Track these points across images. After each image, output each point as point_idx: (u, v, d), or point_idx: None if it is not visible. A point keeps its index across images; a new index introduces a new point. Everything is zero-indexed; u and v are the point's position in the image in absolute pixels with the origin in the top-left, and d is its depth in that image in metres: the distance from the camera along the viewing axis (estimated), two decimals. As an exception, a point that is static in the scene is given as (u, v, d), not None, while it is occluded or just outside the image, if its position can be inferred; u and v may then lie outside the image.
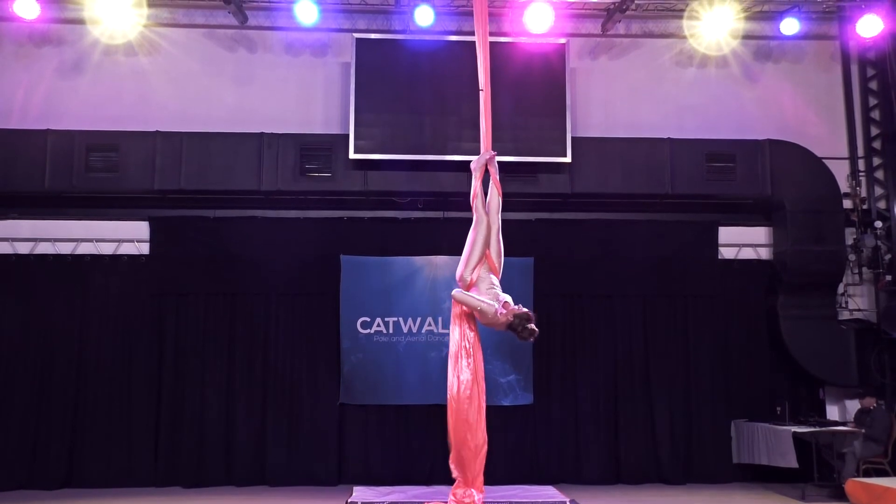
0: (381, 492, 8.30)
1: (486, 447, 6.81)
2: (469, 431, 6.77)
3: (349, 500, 7.84)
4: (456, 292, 6.90)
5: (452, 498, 6.93)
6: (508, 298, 6.71)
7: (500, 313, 6.56)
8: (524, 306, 9.16)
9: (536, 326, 6.51)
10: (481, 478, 6.96)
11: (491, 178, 7.28)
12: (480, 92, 7.41)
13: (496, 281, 6.96)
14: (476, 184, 7.25)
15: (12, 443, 9.76)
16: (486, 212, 7.12)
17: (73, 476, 9.76)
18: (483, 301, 6.68)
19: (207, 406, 10.00)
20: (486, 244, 7.05)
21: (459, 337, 6.98)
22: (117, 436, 9.88)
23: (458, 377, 6.87)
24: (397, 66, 9.96)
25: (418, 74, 9.94)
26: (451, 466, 6.88)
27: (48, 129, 9.89)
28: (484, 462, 6.87)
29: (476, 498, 6.89)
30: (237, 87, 10.51)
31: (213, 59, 10.55)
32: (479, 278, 6.93)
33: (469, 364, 6.89)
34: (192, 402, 10.00)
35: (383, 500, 7.82)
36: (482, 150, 7.32)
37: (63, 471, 9.75)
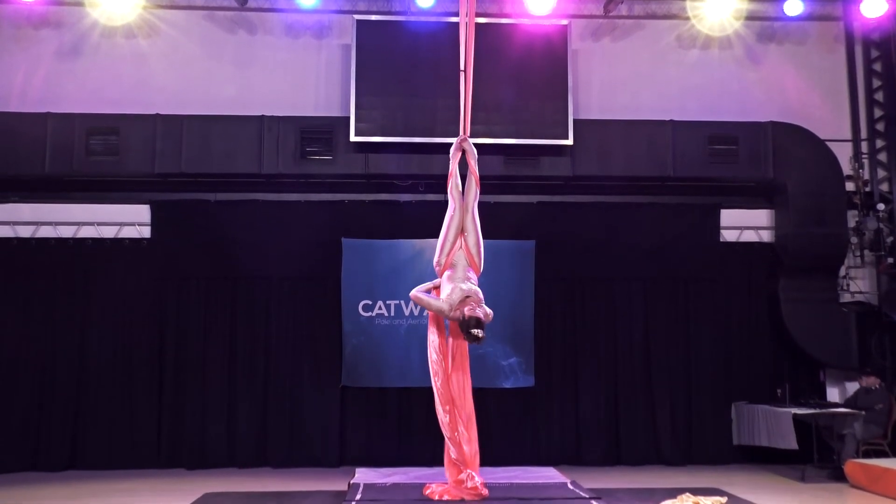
0: (384, 473, 8.33)
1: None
2: (472, 423, 7.03)
3: (351, 482, 7.88)
4: (413, 293, 7.11)
5: (452, 482, 7.00)
6: (473, 293, 6.79)
7: (453, 310, 6.75)
8: (525, 290, 9.25)
9: (483, 332, 6.68)
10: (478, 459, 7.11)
11: (468, 165, 7.30)
12: (461, 73, 7.39)
13: (473, 275, 7.04)
14: (451, 166, 7.28)
15: (16, 425, 9.81)
16: (461, 197, 7.15)
17: (76, 458, 9.83)
18: (434, 302, 6.91)
19: (209, 389, 10.04)
20: (459, 230, 7.11)
21: (432, 340, 7.25)
22: (120, 419, 9.93)
23: (437, 378, 7.18)
24: (398, 48, 9.91)
25: (419, 56, 9.88)
26: (454, 462, 6.99)
27: (48, 113, 9.86)
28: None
29: (478, 481, 6.99)
30: (237, 70, 10.46)
31: (213, 42, 10.50)
32: (453, 265, 6.99)
33: (442, 363, 7.13)
34: (194, 384, 10.04)
35: (385, 482, 7.85)
36: (459, 133, 7.36)
37: (66, 453, 9.81)
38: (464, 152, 7.35)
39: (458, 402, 7.07)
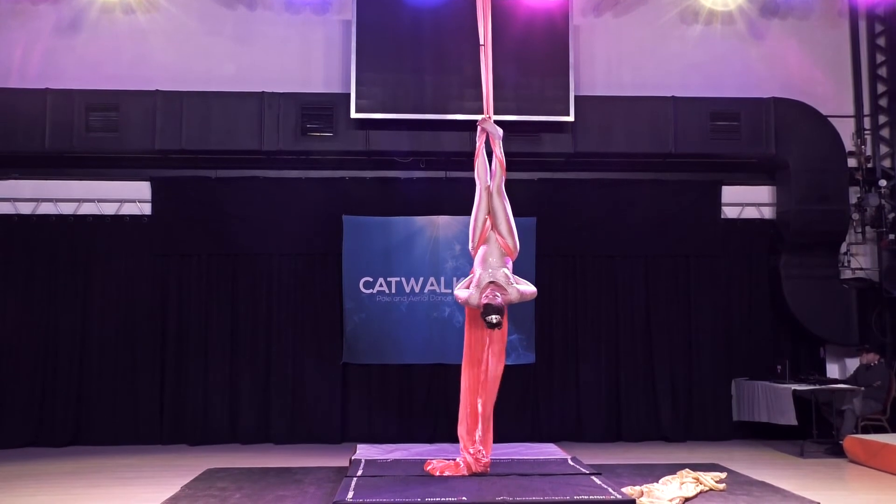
0: (385, 449, 8.36)
1: None
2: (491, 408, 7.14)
3: (353, 457, 7.91)
4: (455, 292, 7.16)
5: (466, 456, 7.08)
6: (499, 277, 6.74)
7: (479, 299, 6.72)
8: (526, 267, 9.26)
9: (499, 319, 6.63)
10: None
11: (492, 148, 7.17)
12: (481, 47, 7.28)
13: (509, 264, 6.96)
14: (477, 146, 7.18)
15: (19, 401, 9.87)
16: (486, 181, 7.05)
17: (79, 434, 9.90)
18: (463, 294, 6.89)
19: (211, 365, 10.09)
20: (486, 212, 7.00)
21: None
22: (123, 395, 9.99)
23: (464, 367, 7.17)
24: (399, 24, 9.82)
25: (420, 32, 9.80)
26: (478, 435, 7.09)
27: (47, 89, 9.80)
28: None
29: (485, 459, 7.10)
30: (237, 46, 10.38)
31: (212, 17, 10.41)
32: (487, 248, 6.91)
33: (465, 354, 7.17)
34: (196, 361, 10.08)
35: (387, 458, 7.89)
36: (484, 110, 7.25)
37: (70, 429, 9.88)
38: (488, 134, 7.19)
39: (487, 389, 7.10)
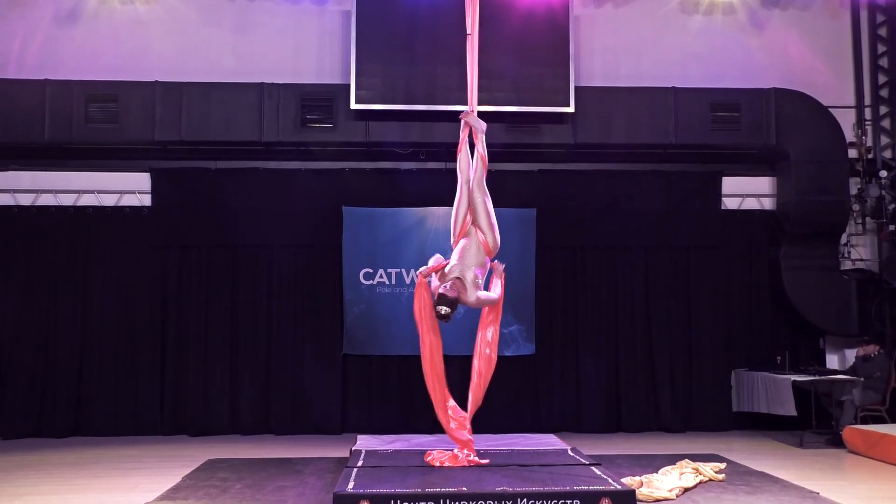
0: (385, 440, 8.39)
1: None
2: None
3: (353, 448, 7.93)
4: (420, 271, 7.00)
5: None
6: (467, 276, 6.58)
7: (437, 288, 6.63)
8: (526, 258, 9.20)
9: (448, 311, 6.47)
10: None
11: (475, 142, 7.10)
12: (467, 37, 7.23)
13: (488, 262, 6.83)
14: (460, 139, 7.07)
15: (20, 393, 9.89)
16: (467, 175, 6.95)
17: (80, 425, 9.92)
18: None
19: (211, 356, 10.11)
20: (467, 206, 6.89)
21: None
22: (123, 385, 10.01)
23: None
24: (399, 14, 9.79)
25: (420, 22, 9.77)
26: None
27: (46, 79, 9.78)
28: None
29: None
30: (236, 36, 10.36)
31: (211, 8, 10.38)
32: (467, 241, 6.83)
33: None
34: (197, 352, 10.10)
35: (387, 448, 7.91)
36: (468, 103, 7.17)
37: (71, 421, 9.90)
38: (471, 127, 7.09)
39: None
